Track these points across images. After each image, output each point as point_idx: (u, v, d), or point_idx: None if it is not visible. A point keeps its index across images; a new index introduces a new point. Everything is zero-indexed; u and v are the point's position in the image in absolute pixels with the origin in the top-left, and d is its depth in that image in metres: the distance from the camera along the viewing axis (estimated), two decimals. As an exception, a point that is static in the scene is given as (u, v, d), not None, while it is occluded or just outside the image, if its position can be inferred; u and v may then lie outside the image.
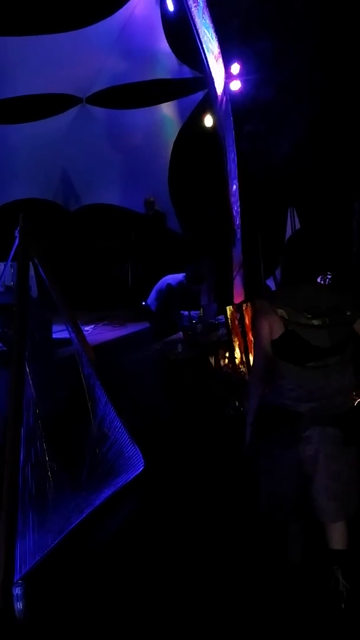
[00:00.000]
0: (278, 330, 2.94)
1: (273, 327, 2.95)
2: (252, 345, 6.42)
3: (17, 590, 3.16)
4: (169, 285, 8.33)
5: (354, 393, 5.32)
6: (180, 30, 9.02)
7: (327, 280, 7.81)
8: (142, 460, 4.89)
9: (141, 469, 4.86)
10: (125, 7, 8.81)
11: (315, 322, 2.87)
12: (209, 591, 3.40)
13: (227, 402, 6.26)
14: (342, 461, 3.02)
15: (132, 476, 4.78)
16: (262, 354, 3.05)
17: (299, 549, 3.27)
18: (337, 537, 3.09)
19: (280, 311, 2.92)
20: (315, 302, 2.92)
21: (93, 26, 8.90)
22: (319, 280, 3.36)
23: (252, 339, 6.71)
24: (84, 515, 4.15)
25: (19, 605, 3.14)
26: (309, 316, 2.88)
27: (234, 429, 3.24)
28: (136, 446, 4.86)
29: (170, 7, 8.65)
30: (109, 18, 8.87)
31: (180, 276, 8.36)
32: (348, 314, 2.93)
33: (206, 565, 3.65)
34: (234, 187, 10.29)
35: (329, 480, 3.00)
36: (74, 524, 4.03)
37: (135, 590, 3.45)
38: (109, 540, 4.03)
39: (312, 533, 3.21)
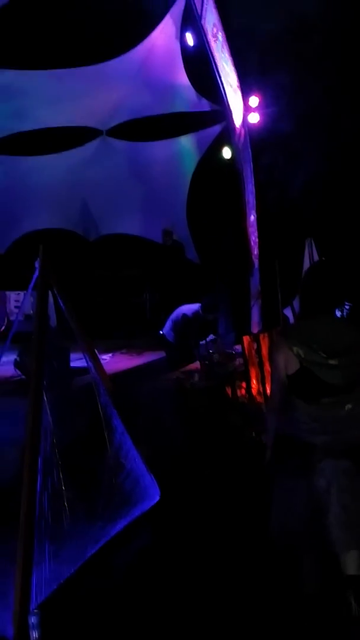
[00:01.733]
0: (293, 366, 2.97)
1: (288, 364, 2.98)
2: (269, 376, 6.42)
3: (33, 619, 3.15)
4: (184, 315, 8.34)
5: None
6: (199, 64, 9.17)
7: (346, 311, 7.79)
8: (158, 491, 4.87)
9: (157, 499, 4.85)
10: (145, 41, 8.96)
11: (331, 362, 2.90)
12: (225, 622, 3.38)
13: (243, 433, 6.24)
14: (355, 493, 3.02)
15: (148, 506, 4.76)
16: (278, 387, 3.09)
17: (314, 580, 3.24)
18: (351, 562, 3.09)
19: (296, 349, 2.95)
20: (332, 339, 2.95)
21: (114, 60, 9.05)
22: (336, 312, 3.38)
23: (269, 369, 6.71)
24: (99, 545, 4.14)
25: (34, 634, 3.13)
26: (325, 356, 2.90)
27: (250, 459, 3.24)
28: (152, 476, 4.85)
29: (190, 41, 8.80)
30: (130, 52, 9.03)
31: (195, 306, 8.38)
32: None
33: (222, 596, 3.62)
34: (252, 217, 10.37)
35: (341, 511, 3.00)
36: (90, 553, 4.02)
37: (151, 621, 3.43)
38: (124, 571, 4.01)
39: (328, 564, 3.19)
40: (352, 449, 3.01)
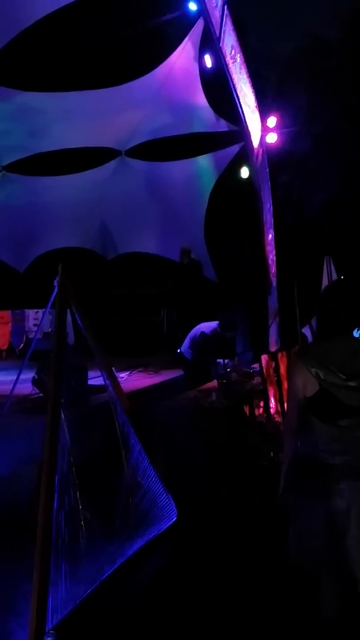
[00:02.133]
0: (312, 388, 2.94)
1: (307, 386, 2.96)
2: (287, 395, 6.39)
3: (48, 641, 3.13)
4: (202, 333, 8.35)
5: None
6: (217, 85, 9.27)
7: (365, 330, 7.72)
8: (175, 510, 4.84)
9: (174, 519, 4.81)
10: (164, 63, 9.08)
11: (350, 383, 2.87)
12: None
13: (261, 453, 6.19)
14: None
15: (165, 526, 4.73)
16: (295, 408, 3.06)
17: (333, 604, 3.18)
18: None
19: (315, 370, 2.92)
20: (351, 360, 2.92)
21: (133, 81, 9.18)
22: (355, 332, 3.36)
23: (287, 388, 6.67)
24: (116, 565, 4.12)
25: (50, 656, 3.11)
26: (344, 377, 2.88)
27: (268, 480, 3.21)
28: (169, 496, 4.82)
29: (208, 63, 8.90)
30: (149, 74, 9.15)
31: (214, 324, 8.38)
32: None
33: (240, 617, 3.58)
34: (270, 236, 10.39)
35: (359, 533, 2.95)
36: (107, 574, 4.00)
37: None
38: (141, 591, 3.98)
39: (347, 587, 3.13)
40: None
